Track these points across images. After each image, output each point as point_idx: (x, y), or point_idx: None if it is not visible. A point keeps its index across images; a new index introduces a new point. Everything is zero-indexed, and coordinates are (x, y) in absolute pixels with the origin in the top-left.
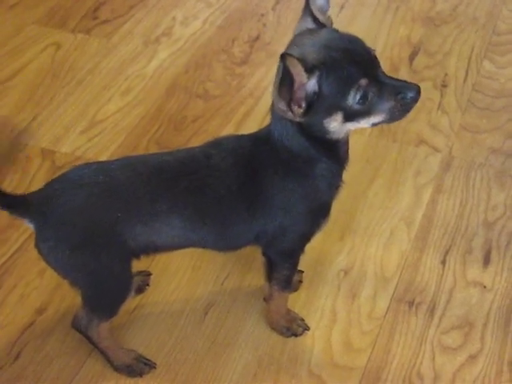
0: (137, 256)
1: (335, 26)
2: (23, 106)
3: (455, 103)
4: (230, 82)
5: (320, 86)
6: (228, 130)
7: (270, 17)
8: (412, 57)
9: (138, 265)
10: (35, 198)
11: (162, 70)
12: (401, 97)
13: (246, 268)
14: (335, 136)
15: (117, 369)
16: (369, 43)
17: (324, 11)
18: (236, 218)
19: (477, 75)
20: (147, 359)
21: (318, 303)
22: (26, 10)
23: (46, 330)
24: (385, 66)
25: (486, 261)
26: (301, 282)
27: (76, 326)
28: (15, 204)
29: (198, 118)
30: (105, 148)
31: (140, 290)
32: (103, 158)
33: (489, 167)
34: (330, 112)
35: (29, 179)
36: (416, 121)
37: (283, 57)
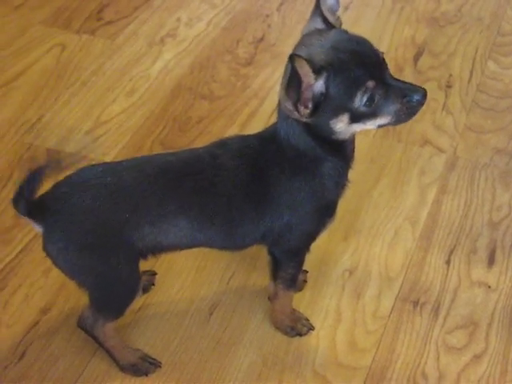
0: (144, 256)
1: None
2: (28, 107)
3: (460, 104)
4: (234, 82)
5: (327, 87)
6: (232, 131)
7: (274, 18)
8: (417, 57)
9: (143, 265)
10: (43, 200)
11: (167, 71)
12: (407, 100)
13: (251, 267)
14: (341, 136)
15: (122, 368)
16: (373, 44)
17: (334, 11)
18: (244, 217)
19: (481, 76)
20: (153, 358)
21: (323, 303)
22: (31, 11)
23: (50, 330)
24: (389, 67)
25: (491, 261)
26: (305, 281)
27: (82, 325)
28: (34, 209)
29: (203, 119)
30: (109, 148)
31: (145, 289)
32: (108, 158)
33: (493, 167)
34: (336, 113)
35: None
36: (421, 121)
37: (291, 57)
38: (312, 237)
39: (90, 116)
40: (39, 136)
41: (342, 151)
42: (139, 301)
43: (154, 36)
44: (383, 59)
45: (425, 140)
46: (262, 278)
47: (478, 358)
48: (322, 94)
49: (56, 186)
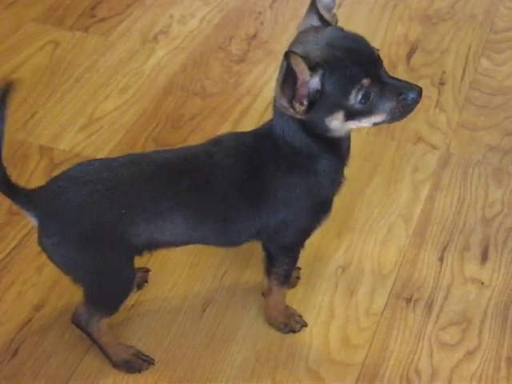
0: (139, 252)
1: None
2: (21, 104)
3: (453, 101)
4: (227, 79)
5: (323, 85)
6: (225, 128)
7: (267, 15)
8: (410, 55)
9: (136, 261)
10: (39, 194)
11: (160, 68)
12: (402, 97)
13: (245, 264)
14: (336, 134)
15: (115, 365)
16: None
17: (330, 9)
18: (239, 214)
19: (474, 73)
20: (146, 355)
21: (316, 300)
22: (24, 8)
23: (43, 327)
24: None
25: (484, 257)
26: (298, 278)
27: (76, 321)
28: (19, 194)
29: (196, 116)
30: (103, 145)
31: (139, 286)
32: (101, 155)
33: (486, 164)
34: (331, 110)
35: (27, 176)
36: (414, 118)
37: (287, 54)
38: (307, 233)
39: (83, 113)
40: (32, 133)
41: (338, 148)
42: (132, 298)
43: (147, 33)
44: (379, 57)
45: (418, 137)
46: (255, 274)
47: (471, 354)
48: (317, 91)
49: (52, 180)
